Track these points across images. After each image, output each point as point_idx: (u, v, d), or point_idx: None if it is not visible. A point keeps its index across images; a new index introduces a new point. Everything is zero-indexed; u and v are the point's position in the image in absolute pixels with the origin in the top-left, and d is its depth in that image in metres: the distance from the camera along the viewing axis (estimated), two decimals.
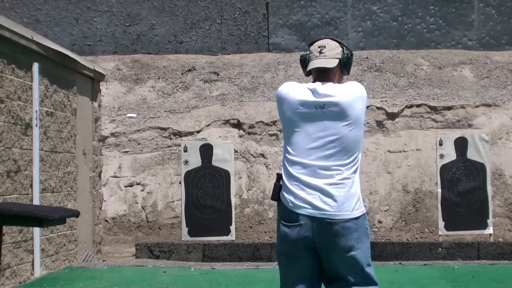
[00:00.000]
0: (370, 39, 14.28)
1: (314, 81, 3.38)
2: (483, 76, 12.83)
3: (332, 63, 3.35)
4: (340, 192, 3.23)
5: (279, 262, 3.42)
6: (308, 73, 3.45)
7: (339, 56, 3.38)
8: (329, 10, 14.40)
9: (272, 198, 3.41)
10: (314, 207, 3.23)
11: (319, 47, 3.38)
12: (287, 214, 3.28)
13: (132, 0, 14.69)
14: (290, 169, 3.30)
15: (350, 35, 14.33)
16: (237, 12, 14.57)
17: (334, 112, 3.25)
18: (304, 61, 3.44)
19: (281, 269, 3.41)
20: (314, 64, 3.37)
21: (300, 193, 3.25)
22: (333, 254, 3.27)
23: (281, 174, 3.36)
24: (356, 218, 3.25)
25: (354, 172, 3.28)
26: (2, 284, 6.15)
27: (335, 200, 3.22)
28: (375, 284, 3.34)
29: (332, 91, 3.27)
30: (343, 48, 3.40)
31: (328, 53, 3.36)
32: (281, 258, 3.39)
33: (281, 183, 3.34)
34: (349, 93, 3.28)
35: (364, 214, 3.31)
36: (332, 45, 3.39)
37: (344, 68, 3.41)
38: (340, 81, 3.41)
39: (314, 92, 3.29)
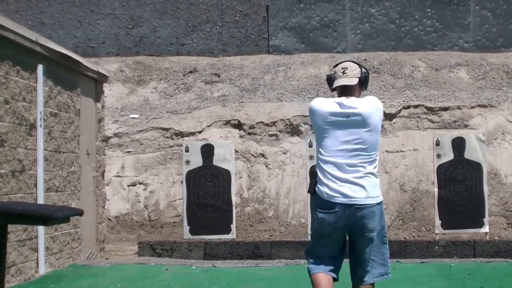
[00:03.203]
0: (368, 41, 14.32)
1: (339, 96, 4.11)
2: (479, 77, 12.84)
3: (353, 81, 4.09)
4: (366, 183, 3.95)
5: (315, 239, 4.12)
6: (333, 89, 4.18)
7: (359, 75, 4.11)
8: (328, 13, 14.45)
9: (309, 191, 4.12)
10: (345, 196, 3.93)
11: (342, 68, 4.12)
12: (323, 203, 3.99)
13: (134, 3, 14.78)
14: (323, 166, 4.01)
15: (349, 37, 14.40)
16: (238, 15, 14.66)
17: (357, 121, 3.97)
18: (330, 80, 4.19)
19: (315, 244, 4.11)
20: (338, 82, 4.11)
21: (333, 185, 3.96)
22: (360, 234, 3.99)
23: (316, 172, 4.07)
24: (378, 204, 4.00)
25: (375, 167, 4.03)
26: (7, 282, 6.13)
27: (363, 189, 3.94)
28: (387, 266, 4.10)
29: (355, 104, 4.00)
30: (361, 69, 4.14)
31: (350, 73, 4.10)
32: (317, 238, 4.09)
33: (316, 179, 4.04)
34: (369, 105, 4.00)
35: (382, 201, 4.05)
36: (352, 66, 4.13)
37: (362, 84, 4.15)
38: (359, 95, 4.15)
39: (340, 104, 4.02)
